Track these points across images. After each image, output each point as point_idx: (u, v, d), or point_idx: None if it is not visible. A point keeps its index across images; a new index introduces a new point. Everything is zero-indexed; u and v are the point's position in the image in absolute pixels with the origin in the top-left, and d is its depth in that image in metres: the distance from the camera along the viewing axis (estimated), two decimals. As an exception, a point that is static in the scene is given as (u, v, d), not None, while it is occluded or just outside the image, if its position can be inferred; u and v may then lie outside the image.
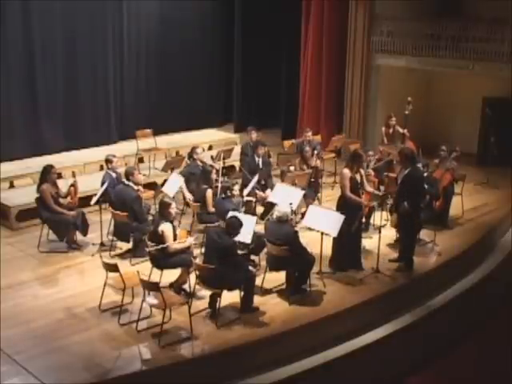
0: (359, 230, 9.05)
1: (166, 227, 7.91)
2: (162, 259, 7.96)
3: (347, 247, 8.89)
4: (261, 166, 11.30)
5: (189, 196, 10.20)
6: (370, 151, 11.19)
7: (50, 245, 9.66)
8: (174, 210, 8.17)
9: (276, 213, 8.27)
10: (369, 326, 8.17)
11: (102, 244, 9.59)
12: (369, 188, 9.23)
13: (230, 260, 7.60)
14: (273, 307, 8.05)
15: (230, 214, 8.21)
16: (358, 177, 8.90)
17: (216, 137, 14.92)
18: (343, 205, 8.80)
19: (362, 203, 8.96)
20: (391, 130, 12.48)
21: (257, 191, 10.66)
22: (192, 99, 15.21)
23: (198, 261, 7.93)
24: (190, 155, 10.86)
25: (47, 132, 12.69)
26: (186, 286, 8.13)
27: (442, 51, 13.14)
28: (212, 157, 11.88)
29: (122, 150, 13.02)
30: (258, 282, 8.18)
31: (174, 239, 7.97)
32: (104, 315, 7.78)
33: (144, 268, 8.31)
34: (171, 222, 8.06)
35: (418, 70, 14.07)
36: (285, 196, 9.28)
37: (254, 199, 10.45)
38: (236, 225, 7.75)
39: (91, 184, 10.56)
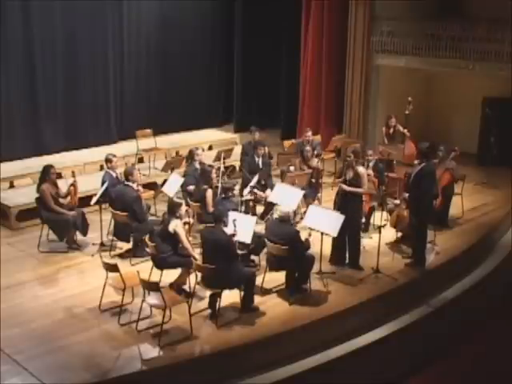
0: (359, 230, 9.10)
1: (177, 226, 7.95)
2: (167, 257, 7.99)
3: (346, 246, 8.91)
4: (261, 165, 11.31)
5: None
6: (370, 151, 11.17)
7: (50, 245, 9.66)
8: (184, 209, 8.28)
9: (278, 212, 8.29)
10: (369, 326, 8.18)
11: (102, 244, 9.59)
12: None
13: (228, 257, 7.60)
14: (273, 307, 8.05)
15: (230, 214, 8.20)
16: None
17: (216, 137, 14.92)
18: (345, 205, 8.82)
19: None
20: (391, 131, 12.49)
21: (256, 191, 10.66)
22: (192, 99, 15.21)
23: (198, 261, 7.94)
24: (190, 157, 10.80)
25: (47, 132, 12.69)
26: (185, 286, 8.13)
27: (442, 51, 13.15)
28: (217, 159, 11.80)
29: (122, 149, 13.00)
30: (258, 281, 8.18)
31: None
32: (104, 315, 7.78)
33: (144, 268, 8.32)
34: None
35: (418, 69, 14.08)
36: (285, 196, 9.27)
37: (251, 197, 10.43)
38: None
39: (91, 184, 10.56)
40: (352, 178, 8.95)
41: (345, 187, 8.98)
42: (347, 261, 9.12)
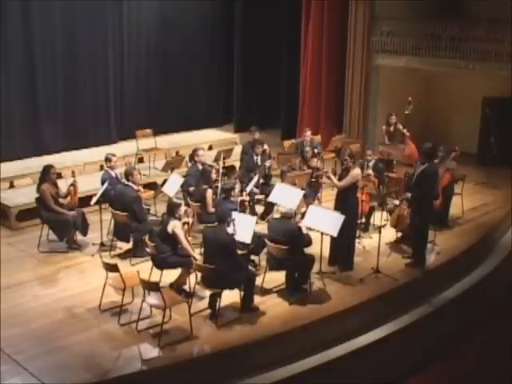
0: (354, 229, 9.10)
1: (175, 226, 7.95)
2: (167, 257, 7.99)
3: (340, 245, 8.92)
4: (259, 163, 11.31)
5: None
6: (369, 151, 11.17)
7: (50, 245, 9.66)
8: (183, 209, 8.29)
9: (281, 208, 8.31)
10: (369, 326, 8.18)
11: (102, 244, 9.59)
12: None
13: (230, 257, 7.60)
14: (273, 307, 8.05)
15: (233, 214, 8.19)
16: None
17: (216, 137, 14.92)
18: (343, 205, 8.82)
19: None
20: (392, 129, 12.47)
21: (255, 190, 10.67)
22: (192, 99, 15.20)
23: (198, 261, 7.94)
24: (192, 157, 10.79)
25: (47, 132, 12.68)
26: (185, 286, 8.13)
27: (442, 51, 13.16)
28: (217, 159, 11.79)
29: (122, 149, 13.00)
30: (258, 281, 8.18)
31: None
32: (104, 315, 7.78)
33: (144, 268, 8.32)
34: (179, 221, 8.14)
35: (418, 69, 14.08)
36: (285, 196, 9.27)
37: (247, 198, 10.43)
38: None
39: (91, 184, 10.56)
40: (344, 176, 8.99)
41: (330, 175, 9.12)
42: (338, 262, 9.09)
